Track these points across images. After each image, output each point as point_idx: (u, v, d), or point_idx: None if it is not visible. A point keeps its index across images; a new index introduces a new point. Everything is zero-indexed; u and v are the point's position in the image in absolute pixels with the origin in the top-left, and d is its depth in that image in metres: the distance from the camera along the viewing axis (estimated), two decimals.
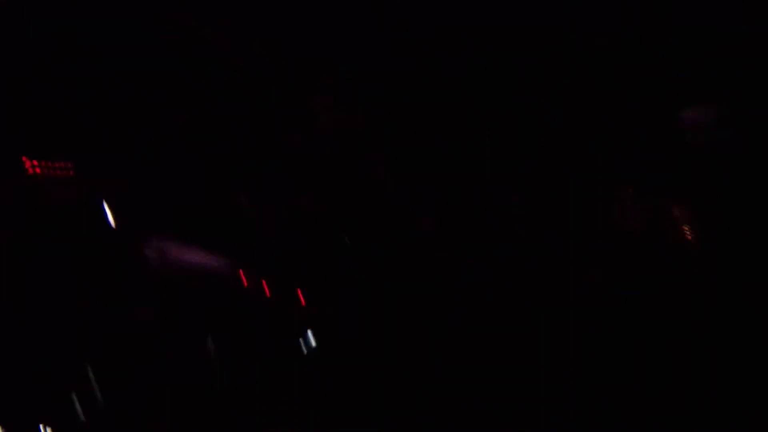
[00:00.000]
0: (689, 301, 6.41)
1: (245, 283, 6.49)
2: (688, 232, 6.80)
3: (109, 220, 6.39)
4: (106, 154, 6.50)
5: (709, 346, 6.12)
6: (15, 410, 5.63)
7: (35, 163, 6.04)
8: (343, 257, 6.73)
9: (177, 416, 6.10)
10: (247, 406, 6.23)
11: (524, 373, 6.27)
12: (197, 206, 6.59)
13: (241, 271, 6.50)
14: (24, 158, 6.02)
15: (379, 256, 6.75)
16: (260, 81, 6.81)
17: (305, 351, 6.47)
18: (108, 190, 6.46)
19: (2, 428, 5.55)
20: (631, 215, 6.85)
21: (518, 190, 7.01)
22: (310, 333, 6.50)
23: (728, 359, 5.96)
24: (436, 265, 6.72)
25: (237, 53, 6.76)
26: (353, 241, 6.77)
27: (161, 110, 6.68)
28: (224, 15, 6.79)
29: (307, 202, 6.80)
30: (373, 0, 6.80)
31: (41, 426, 5.60)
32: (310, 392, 6.34)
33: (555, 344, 6.39)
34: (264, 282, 6.52)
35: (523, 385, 6.24)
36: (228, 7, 6.69)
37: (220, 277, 6.48)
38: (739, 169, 6.81)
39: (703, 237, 6.80)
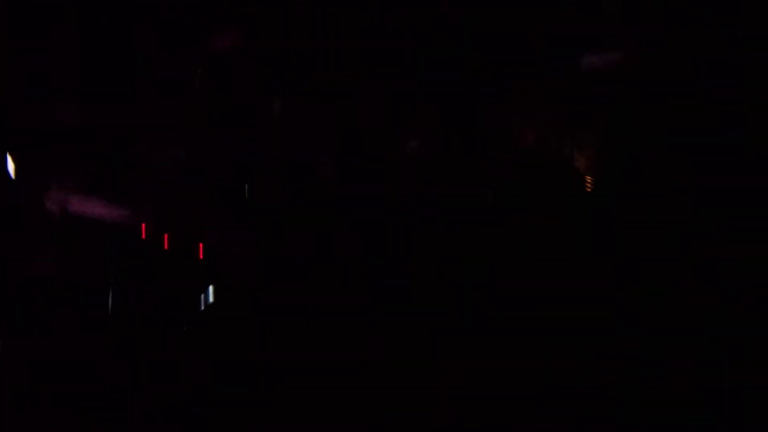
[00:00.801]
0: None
1: (144, 235, 6.56)
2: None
3: (9, 168, 6.37)
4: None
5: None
6: None
7: None
8: (245, 208, 6.76)
9: (75, 368, 6.36)
10: (143, 359, 6.49)
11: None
12: (98, 155, 6.55)
13: (142, 223, 6.55)
14: None
15: (282, 207, 6.78)
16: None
17: (204, 305, 6.64)
18: (9, 139, 6.41)
19: None
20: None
21: None
22: (210, 288, 6.64)
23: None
24: (341, 213, 6.77)
25: None
26: (255, 190, 6.77)
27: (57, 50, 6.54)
28: None
29: (209, 150, 6.75)
30: None
31: None
32: (207, 348, 6.58)
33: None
34: (165, 235, 6.59)
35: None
36: None
37: (120, 229, 6.54)
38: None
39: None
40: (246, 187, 6.80)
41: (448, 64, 6.69)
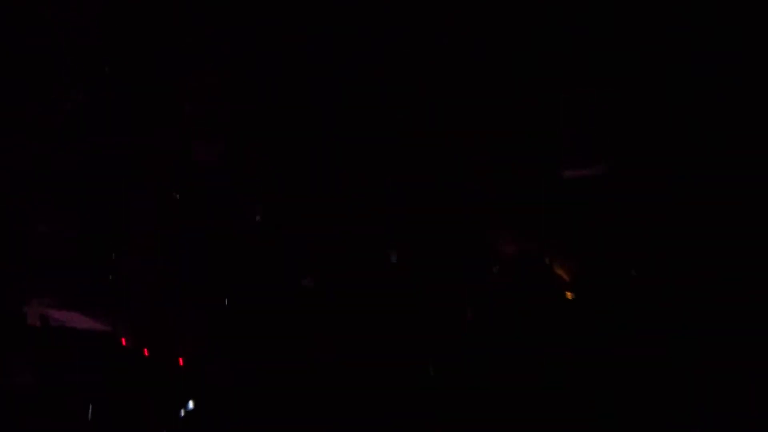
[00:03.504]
0: None
1: (125, 347, 6.56)
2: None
3: None
4: None
5: None
6: None
7: None
8: (223, 317, 6.82)
9: None
10: None
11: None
12: (77, 269, 6.57)
13: (122, 336, 6.55)
14: None
15: (258, 316, 6.85)
16: None
17: (183, 415, 6.63)
18: None
19: None
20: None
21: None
22: (190, 402, 6.64)
23: None
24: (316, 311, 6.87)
25: None
26: (232, 299, 6.86)
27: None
28: None
29: (186, 261, 6.83)
30: None
31: None
32: None
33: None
34: (145, 348, 6.59)
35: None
36: None
37: (100, 341, 6.53)
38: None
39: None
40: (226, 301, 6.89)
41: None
